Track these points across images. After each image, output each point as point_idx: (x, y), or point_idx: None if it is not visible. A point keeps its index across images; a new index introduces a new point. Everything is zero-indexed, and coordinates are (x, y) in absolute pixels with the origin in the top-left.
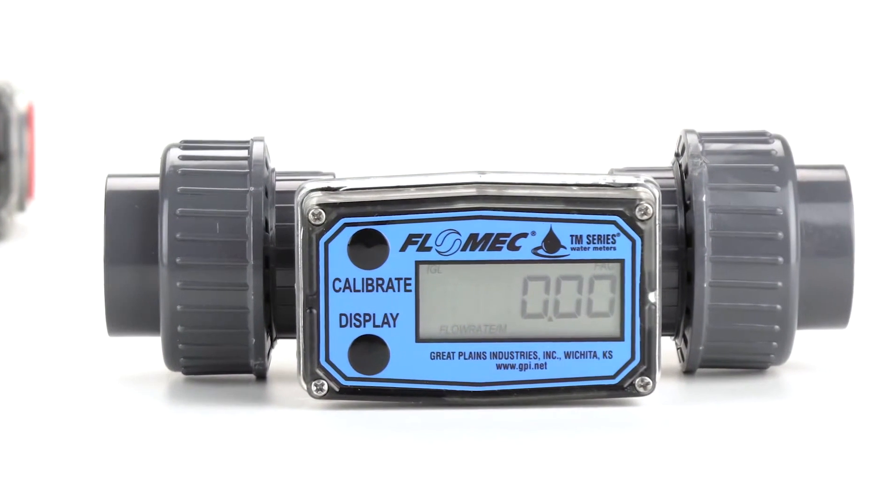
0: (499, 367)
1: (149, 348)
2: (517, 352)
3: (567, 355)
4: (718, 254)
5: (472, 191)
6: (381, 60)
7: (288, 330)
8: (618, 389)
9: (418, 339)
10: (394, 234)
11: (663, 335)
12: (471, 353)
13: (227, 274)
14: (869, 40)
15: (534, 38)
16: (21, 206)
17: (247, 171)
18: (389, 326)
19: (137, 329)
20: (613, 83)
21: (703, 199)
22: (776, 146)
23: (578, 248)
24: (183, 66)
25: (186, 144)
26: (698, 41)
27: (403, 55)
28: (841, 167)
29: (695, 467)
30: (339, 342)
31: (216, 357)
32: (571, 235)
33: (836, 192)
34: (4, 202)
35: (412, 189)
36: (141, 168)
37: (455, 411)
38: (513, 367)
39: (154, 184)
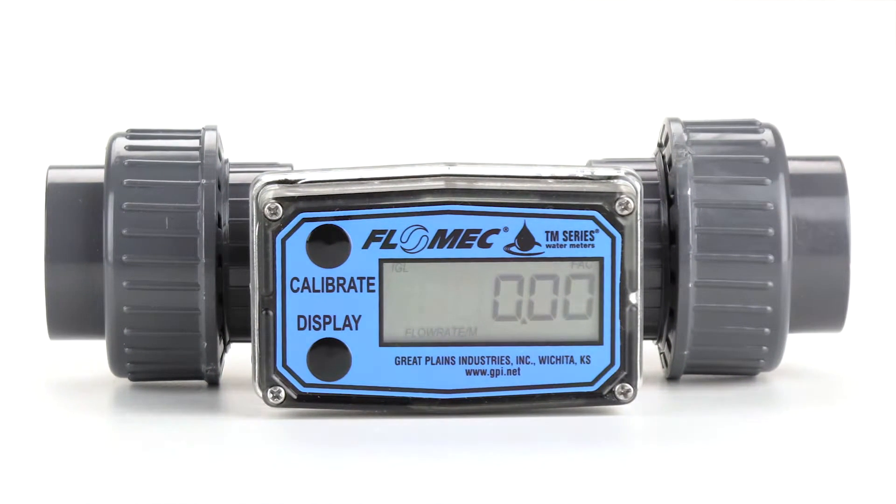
0: (468, 372)
1: (93, 352)
2: (488, 357)
3: (542, 360)
4: (704, 251)
5: (440, 183)
6: (344, 41)
7: (242, 333)
8: (596, 397)
9: (382, 343)
10: (356, 230)
11: (645, 339)
12: (438, 357)
13: (177, 273)
14: (866, 21)
15: (506, 19)
16: None
17: (198, 162)
18: (351, 329)
19: (81, 332)
20: (592, 67)
21: (688, 192)
22: (766, 136)
23: (554, 246)
24: (130, 47)
25: (133, 134)
26: (683, 22)
27: (368, 36)
28: (836, 158)
29: (678, 481)
30: (298, 346)
31: (165, 362)
32: (547, 232)
33: (831, 185)
34: None
35: (376, 182)
36: (84, 159)
37: (421, 420)
38: (483, 373)
39: (98, 176)
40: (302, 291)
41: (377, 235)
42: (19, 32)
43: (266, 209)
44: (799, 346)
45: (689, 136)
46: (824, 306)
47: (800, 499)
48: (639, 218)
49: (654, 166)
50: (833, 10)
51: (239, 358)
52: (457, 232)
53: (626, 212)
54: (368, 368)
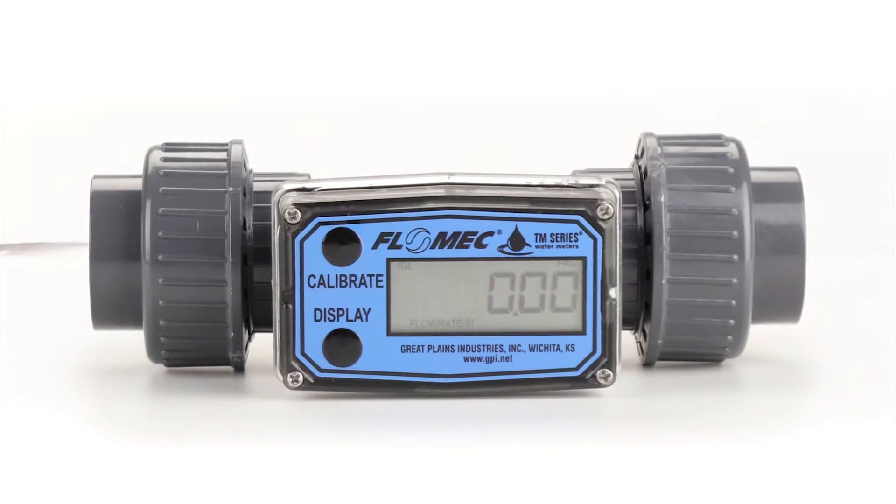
0: (466, 359)
1: (132, 341)
2: (484, 345)
3: (531, 348)
4: (676, 251)
5: (441, 191)
6: (354, 66)
7: (265, 324)
8: (580, 381)
9: (389, 333)
10: (366, 233)
11: (623, 329)
12: (440, 346)
13: (207, 270)
14: (821, 46)
15: (498, 39)
16: None
17: (226, 172)
18: (362, 321)
19: (121, 323)
20: (576, 88)
21: (662, 199)
22: (731, 149)
23: (542, 246)
24: (168, 73)
25: (168, 147)
26: (657, 47)
27: (375, 61)
28: (793, 169)
29: (653, 455)
30: (314, 336)
31: (196, 350)
32: (536, 234)
33: (789, 192)
34: None
35: (384, 189)
36: (125, 169)
37: (425, 401)
38: (480, 359)
39: (137, 184)
40: (318, 287)
41: (385, 237)
42: (73, 65)
43: (286, 214)
44: (760, 336)
45: (663, 148)
46: (783, 300)
47: (761, 471)
48: (618, 222)
49: (631, 176)
50: (792, 32)
51: (262, 346)
52: (456, 234)
53: (606, 216)
54: (377, 356)
